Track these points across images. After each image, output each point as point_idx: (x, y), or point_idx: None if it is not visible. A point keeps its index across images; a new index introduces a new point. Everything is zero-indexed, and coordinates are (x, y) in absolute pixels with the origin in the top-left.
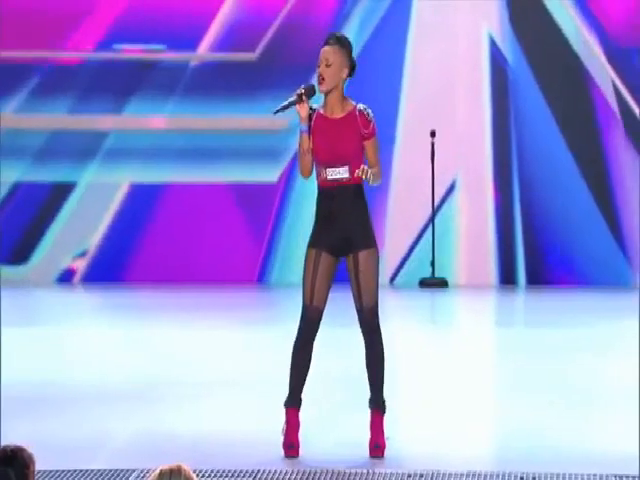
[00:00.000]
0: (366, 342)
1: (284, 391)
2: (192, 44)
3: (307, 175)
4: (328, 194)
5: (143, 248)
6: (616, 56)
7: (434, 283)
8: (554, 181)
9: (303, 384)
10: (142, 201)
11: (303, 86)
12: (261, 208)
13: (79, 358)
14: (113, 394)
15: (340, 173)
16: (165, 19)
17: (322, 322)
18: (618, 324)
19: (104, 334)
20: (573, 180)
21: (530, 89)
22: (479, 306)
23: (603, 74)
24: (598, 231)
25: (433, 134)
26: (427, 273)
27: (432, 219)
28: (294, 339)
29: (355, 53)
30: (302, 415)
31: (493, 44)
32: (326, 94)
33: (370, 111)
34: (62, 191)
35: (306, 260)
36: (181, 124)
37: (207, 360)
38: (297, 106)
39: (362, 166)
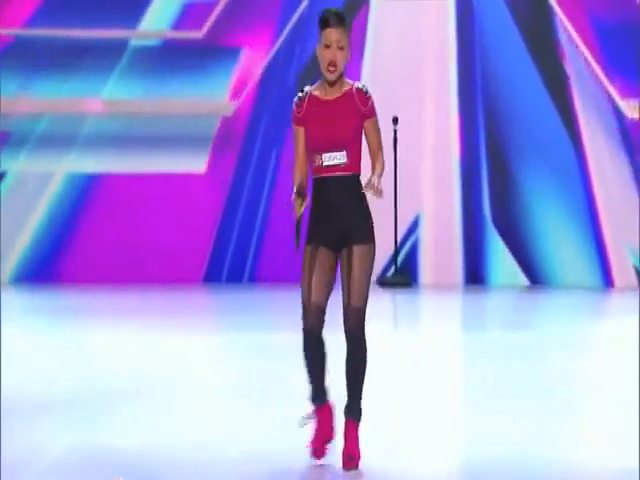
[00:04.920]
0: (348, 345)
1: (230, 399)
2: (132, 21)
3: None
4: (324, 185)
5: (78, 245)
6: None
7: (396, 282)
8: (523, 179)
9: (323, 379)
10: (78, 192)
11: (295, 194)
12: (208, 200)
13: (4, 366)
14: (42, 405)
15: (337, 158)
16: None
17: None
18: (588, 325)
19: (33, 339)
20: (545, 183)
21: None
22: (443, 307)
23: None
24: (571, 234)
25: (395, 121)
26: (389, 271)
27: (394, 216)
28: (302, 340)
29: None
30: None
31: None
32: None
33: (368, 88)
34: None
35: (303, 258)
36: (120, 108)
37: (145, 367)
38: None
39: (369, 178)
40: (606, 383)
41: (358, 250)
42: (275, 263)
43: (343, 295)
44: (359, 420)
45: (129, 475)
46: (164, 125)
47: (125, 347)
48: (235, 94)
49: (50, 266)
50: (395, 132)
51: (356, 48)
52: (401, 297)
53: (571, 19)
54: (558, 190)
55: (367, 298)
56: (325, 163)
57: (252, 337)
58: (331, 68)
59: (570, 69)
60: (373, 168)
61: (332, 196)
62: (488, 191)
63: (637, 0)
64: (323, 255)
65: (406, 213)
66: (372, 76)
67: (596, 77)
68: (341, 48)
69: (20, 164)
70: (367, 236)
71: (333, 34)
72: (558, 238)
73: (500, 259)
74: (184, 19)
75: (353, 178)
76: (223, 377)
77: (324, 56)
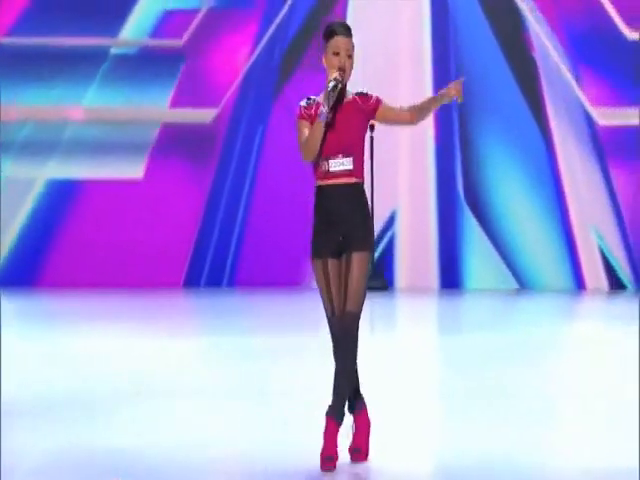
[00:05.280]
0: (340, 348)
1: (209, 402)
2: (113, 30)
3: (313, 159)
4: (329, 193)
5: (60, 250)
6: None
7: (373, 286)
8: (499, 182)
9: (358, 384)
10: (59, 198)
11: (336, 77)
12: (188, 206)
13: None
14: (25, 409)
15: (344, 164)
16: (84, 4)
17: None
18: (559, 328)
19: (16, 343)
20: (520, 185)
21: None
22: (419, 310)
23: None
24: (545, 238)
25: (372, 128)
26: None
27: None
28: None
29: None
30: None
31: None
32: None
33: (366, 90)
34: None
35: (315, 272)
36: (101, 115)
37: (127, 370)
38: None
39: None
40: (580, 386)
41: (357, 257)
42: (253, 268)
43: (339, 299)
44: (342, 420)
45: (126, 476)
46: (143, 132)
47: (107, 351)
48: (214, 101)
49: (31, 271)
50: (372, 139)
51: None
52: (379, 300)
53: (543, 27)
54: (532, 192)
55: (363, 304)
56: (332, 169)
57: (233, 340)
58: (341, 72)
59: (542, 73)
60: (425, 105)
61: (336, 203)
62: (463, 191)
63: (607, 8)
64: (333, 266)
65: (382, 211)
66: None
67: (568, 84)
68: (349, 56)
69: (4, 170)
70: (367, 243)
71: (342, 42)
72: (531, 241)
73: (477, 261)
74: (164, 28)
75: (357, 185)
76: (207, 380)
77: (333, 63)
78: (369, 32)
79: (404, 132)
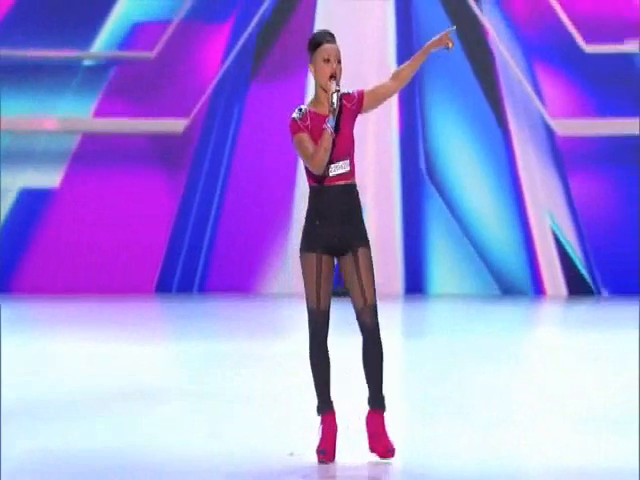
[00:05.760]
0: (367, 341)
1: (186, 406)
2: (86, 42)
3: (322, 170)
4: (326, 194)
5: (32, 257)
6: None
7: (340, 292)
8: (464, 183)
9: (329, 387)
10: (32, 207)
11: (335, 87)
12: (159, 215)
13: None
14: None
15: (342, 167)
16: (57, 16)
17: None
18: (521, 333)
19: None
20: (483, 182)
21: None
22: (385, 315)
23: None
24: (511, 239)
25: None
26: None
27: None
28: (308, 346)
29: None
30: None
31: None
32: (321, 91)
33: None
34: None
35: (306, 264)
36: (74, 125)
37: (99, 374)
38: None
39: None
40: (540, 391)
41: (363, 253)
42: (223, 274)
43: (356, 295)
44: (385, 408)
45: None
46: (117, 143)
47: (79, 356)
48: (186, 112)
49: (4, 278)
50: None
51: (302, 58)
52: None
53: (505, 41)
54: (493, 197)
55: (376, 295)
56: (332, 173)
57: (202, 345)
58: (334, 78)
59: (504, 85)
60: (410, 64)
61: (335, 203)
62: (426, 200)
63: (566, 22)
64: (325, 263)
65: None
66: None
67: (528, 96)
68: (339, 62)
69: None
70: (367, 239)
71: (330, 49)
72: (491, 242)
73: (440, 266)
74: (135, 40)
75: (353, 186)
76: (180, 383)
77: (324, 70)
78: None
79: (371, 140)
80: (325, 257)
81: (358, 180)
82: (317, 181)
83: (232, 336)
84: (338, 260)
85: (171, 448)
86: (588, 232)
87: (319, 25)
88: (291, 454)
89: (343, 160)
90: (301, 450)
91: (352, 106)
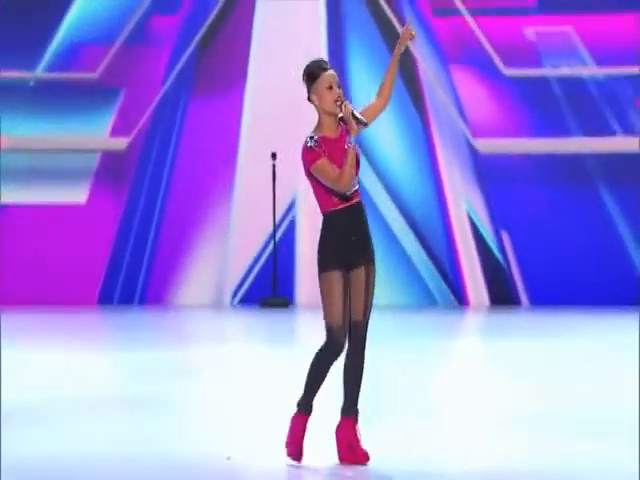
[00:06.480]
0: (354, 353)
1: (121, 413)
2: (32, 63)
3: (351, 188)
4: (347, 215)
5: None
6: None
7: (275, 303)
8: (391, 197)
9: (317, 392)
10: None
11: (349, 106)
12: (101, 229)
13: None
14: None
15: (354, 185)
16: (1, 38)
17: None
18: (444, 342)
19: None
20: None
21: None
22: (318, 325)
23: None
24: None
25: (274, 156)
26: (268, 292)
27: (273, 238)
28: (322, 354)
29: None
30: None
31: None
32: (331, 116)
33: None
34: None
35: (333, 283)
36: (22, 144)
37: (37, 383)
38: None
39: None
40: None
41: (372, 270)
42: (163, 287)
43: (355, 308)
44: (357, 419)
45: None
46: (61, 160)
47: (21, 365)
48: (127, 130)
49: None
50: (274, 166)
51: (240, 76)
52: (280, 316)
53: (432, 68)
54: (418, 215)
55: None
56: (349, 193)
57: (140, 354)
58: (338, 103)
59: (430, 107)
60: (387, 77)
61: (354, 221)
62: None
63: (487, 47)
64: (345, 280)
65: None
66: (252, 113)
67: (452, 117)
68: (340, 87)
69: None
70: (374, 256)
71: (331, 76)
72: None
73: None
74: (79, 61)
75: (362, 202)
76: (116, 391)
77: (329, 97)
78: (269, 69)
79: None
80: (345, 274)
81: (289, 192)
82: (334, 204)
83: (168, 346)
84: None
85: (103, 454)
86: (512, 245)
87: (256, 42)
88: (228, 458)
89: (356, 176)
90: (238, 454)
91: (351, 131)
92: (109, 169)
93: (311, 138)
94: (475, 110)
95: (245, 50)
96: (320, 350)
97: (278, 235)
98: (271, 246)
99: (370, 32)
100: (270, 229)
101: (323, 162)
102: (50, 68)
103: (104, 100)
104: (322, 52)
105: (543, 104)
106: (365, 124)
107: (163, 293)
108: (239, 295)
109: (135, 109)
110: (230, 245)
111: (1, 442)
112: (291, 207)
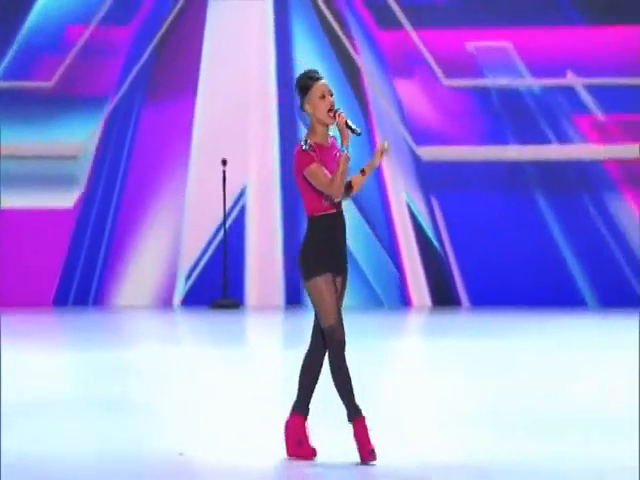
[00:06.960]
0: (315, 349)
1: (74, 413)
2: None
3: (342, 195)
4: (334, 221)
5: None
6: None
7: (225, 304)
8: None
9: (353, 394)
10: None
11: (346, 118)
12: (57, 233)
13: None
14: None
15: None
16: None
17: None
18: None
19: None
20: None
21: None
22: (268, 327)
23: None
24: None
25: (224, 162)
26: (218, 294)
27: (224, 241)
28: (332, 358)
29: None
30: None
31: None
32: (325, 125)
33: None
34: None
35: (324, 285)
36: None
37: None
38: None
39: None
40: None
41: (346, 282)
42: (116, 289)
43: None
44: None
45: None
46: (19, 166)
47: None
48: (82, 136)
49: None
50: (224, 172)
51: (190, 82)
52: (230, 318)
53: (376, 78)
54: (363, 221)
55: None
56: (337, 200)
57: (94, 355)
58: (331, 114)
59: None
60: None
61: (339, 228)
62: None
63: (428, 59)
64: (336, 282)
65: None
66: (203, 118)
67: (395, 125)
68: (332, 95)
69: None
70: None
71: (324, 85)
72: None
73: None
74: (35, 70)
75: (342, 212)
76: (69, 391)
77: (322, 106)
78: (220, 78)
79: (253, 173)
80: (334, 278)
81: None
82: (323, 208)
83: (122, 345)
84: None
85: (57, 454)
86: (453, 249)
87: (207, 48)
88: (180, 454)
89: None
90: (190, 450)
91: (341, 144)
92: (64, 174)
93: (305, 142)
94: (418, 119)
95: (197, 56)
96: (329, 359)
97: (228, 238)
98: (221, 249)
99: (317, 34)
100: (221, 233)
101: (316, 166)
102: (5, 77)
103: (59, 108)
104: (271, 55)
105: (483, 114)
106: (359, 133)
107: (116, 295)
108: (189, 297)
109: (89, 116)
110: (182, 247)
111: (0, 441)
112: (242, 212)
